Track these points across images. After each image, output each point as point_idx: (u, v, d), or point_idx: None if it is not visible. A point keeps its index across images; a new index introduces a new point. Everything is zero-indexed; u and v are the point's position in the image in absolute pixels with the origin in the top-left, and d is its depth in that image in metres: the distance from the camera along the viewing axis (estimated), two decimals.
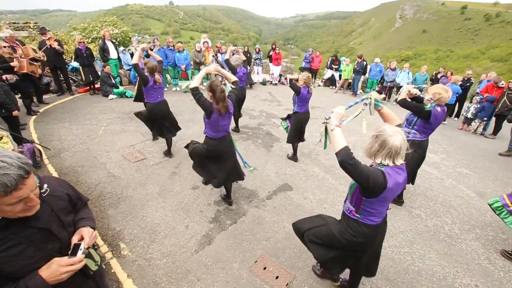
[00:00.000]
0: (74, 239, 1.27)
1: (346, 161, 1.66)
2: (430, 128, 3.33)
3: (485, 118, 7.50)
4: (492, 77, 7.72)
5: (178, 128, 4.85)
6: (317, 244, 2.22)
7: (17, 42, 6.15)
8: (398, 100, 3.39)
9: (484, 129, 7.60)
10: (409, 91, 3.33)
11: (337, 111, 1.90)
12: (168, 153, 4.82)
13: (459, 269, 2.90)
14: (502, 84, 7.16)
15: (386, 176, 1.69)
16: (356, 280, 2.39)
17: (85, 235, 1.29)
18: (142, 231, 3.12)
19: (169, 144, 4.75)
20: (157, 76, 4.23)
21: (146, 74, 4.22)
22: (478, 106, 7.53)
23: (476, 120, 7.63)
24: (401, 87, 9.73)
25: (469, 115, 7.72)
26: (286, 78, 3.98)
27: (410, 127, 3.41)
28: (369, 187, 1.71)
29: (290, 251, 2.97)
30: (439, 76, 9.21)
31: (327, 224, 2.19)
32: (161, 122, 4.56)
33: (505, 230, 3.55)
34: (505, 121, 6.52)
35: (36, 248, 1.15)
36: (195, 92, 2.90)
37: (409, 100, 3.34)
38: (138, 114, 4.69)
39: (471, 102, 7.84)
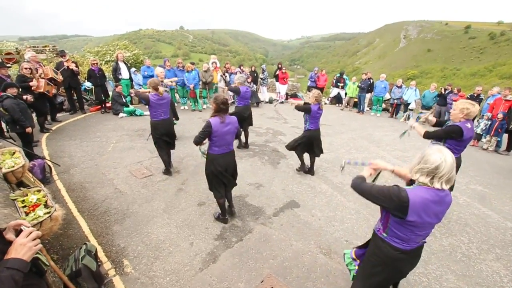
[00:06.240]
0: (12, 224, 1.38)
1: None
2: (463, 145, 3.19)
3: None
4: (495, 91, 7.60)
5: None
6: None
7: (40, 62, 6.62)
8: (425, 136, 3.30)
9: (497, 145, 7.38)
10: (427, 119, 3.40)
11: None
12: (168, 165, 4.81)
13: None
14: (510, 97, 7.00)
15: (409, 195, 1.56)
16: None
17: (18, 221, 1.40)
18: (146, 248, 3.07)
19: (168, 156, 4.75)
20: (160, 88, 4.33)
21: (147, 94, 4.35)
22: (489, 122, 7.37)
23: (493, 138, 7.34)
24: (408, 104, 9.76)
25: (479, 131, 7.56)
26: (290, 102, 3.96)
27: (441, 143, 3.25)
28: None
29: (298, 270, 2.85)
30: (445, 92, 9.16)
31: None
32: (161, 138, 4.57)
33: None
34: None
35: None
36: (196, 141, 3.14)
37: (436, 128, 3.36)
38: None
39: (481, 118, 7.70)
